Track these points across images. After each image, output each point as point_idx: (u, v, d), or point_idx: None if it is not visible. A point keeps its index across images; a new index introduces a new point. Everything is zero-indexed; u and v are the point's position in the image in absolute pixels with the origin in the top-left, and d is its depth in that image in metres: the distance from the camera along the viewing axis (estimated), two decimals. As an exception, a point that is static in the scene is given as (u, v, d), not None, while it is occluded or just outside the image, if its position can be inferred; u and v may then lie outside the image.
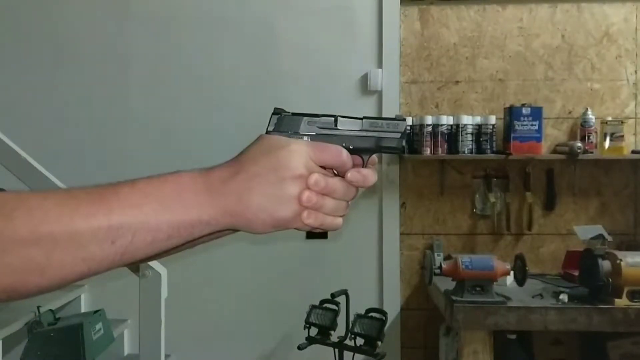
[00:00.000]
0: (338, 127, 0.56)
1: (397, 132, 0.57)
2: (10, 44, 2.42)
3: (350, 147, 0.55)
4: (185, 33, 2.41)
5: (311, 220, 0.52)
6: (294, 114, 0.56)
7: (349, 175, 0.54)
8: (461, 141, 2.26)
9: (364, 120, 0.56)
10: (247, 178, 0.50)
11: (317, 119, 0.56)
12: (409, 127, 2.33)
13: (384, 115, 2.32)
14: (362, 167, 0.56)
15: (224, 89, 2.40)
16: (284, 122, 0.56)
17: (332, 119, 0.56)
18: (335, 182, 0.53)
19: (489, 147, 2.26)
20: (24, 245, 0.45)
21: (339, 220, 0.54)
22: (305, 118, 0.56)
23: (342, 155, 0.54)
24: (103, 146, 2.41)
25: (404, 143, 0.57)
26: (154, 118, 2.42)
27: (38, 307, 1.92)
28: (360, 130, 0.56)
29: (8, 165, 1.77)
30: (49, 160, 2.03)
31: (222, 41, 2.40)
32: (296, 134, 0.55)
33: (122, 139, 2.42)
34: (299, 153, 0.51)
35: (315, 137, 0.55)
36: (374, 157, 0.58)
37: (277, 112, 0.57)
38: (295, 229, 0.53)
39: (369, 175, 0.55)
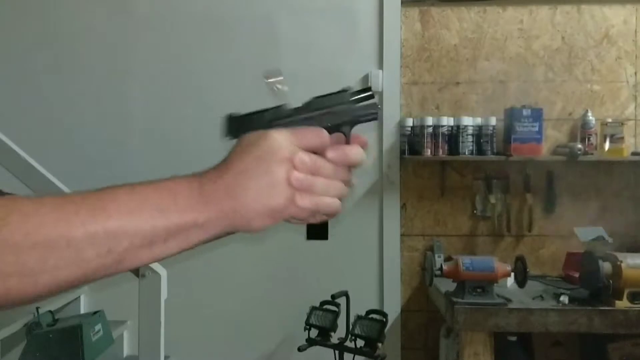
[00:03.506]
0: (306, 111, 0.55)
1: (360, 97, 0.56)
2: (11, 45, 2.42)
3: (329, 125, 0.55)
4: (186, 33, 2.41)
5: (306, 201, 0.51)
6: (253, 113, 0.55)
7: (329, 154, 0.53)
8: (462, 142, 2.26)
9: (327, 97, 0.56)
10: (235, 174, 0.50)
11: (279, 110, 0.55)
12: (409, 128, 2.33)
13: (383, 116, 2.32)
14: (346, 142, 0.56)
15: (225, 89, 2.39)
16: (251, 123, 0.55)
17: (293, 107, 0.55)
18: (321, 159, 0.52)
19: (489, 148, 2.26)
20: (19, 251, 0.44)
21: (336, 201, 0.53)
22: (266, 113, 0.55)
23: (323, 133, 0.53)
24: (104, 147, 2.40)
25: (378, 104, 0.57)
26: (156, 118, 2.42)
27: (37, 308, 1.92)
28: (330, 107, 0.55)
29: (9, 167, 1.77)
30: (49, 161, 2.03)
31: (223, 41, 2.40)
32: (269, 123, 0.54)
33: (123, 140, 2.41)
34: (279, 138, 0.51)
35: (289, 124, 0.54)
36: (364, 138, 0.57)
37: (232, 116, 0.55)
38: (293, 218, 0.52)
39: (351, 151, 0.54)
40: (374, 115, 0.56)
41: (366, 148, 0.56)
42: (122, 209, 0.47)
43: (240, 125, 0.55)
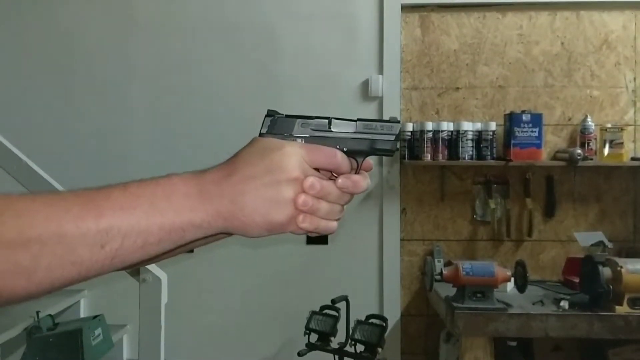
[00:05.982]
0: (332, 129, 0.55)
1: (391, 134, 0.56)
2: (13, 49, 2.43)
3: (344, 150, 0.55)
4: (187, 40, 2.42)
5: (306, 224, 0.51)
6: (287, 116, 0.56)
7: (339, 181, 0.53)
8: (461, 147, 2.26)
9: (358, 122, 0.56)
10: (241, 180, 0.50)
11: (311, 121, 0.55)
12: (408, 133, 2.33)
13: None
14: (355, 171, 0.56)
15: (225, 95, 2.40)
16: (278, 124, 0.55)
17: (326, 121, 0.56)
18: (330, 186, 0.53)
19: (489, 153, 2.27)
20: (12, 249, 0.44)
21: (334, 223, 0.54)
22: (298, 120, 0.55)
23: (337, 157, 0.54)
24: (105, 151, 2.41)
25: (398, 145, 0.57)
26: (156, 124, 2.42)
27: (37, 312, 1.92)
28: (354, 133, 0.56)
29: (9, 170, 1.78)
30: (50, 165, 2.03)
31: (223, 47, 2.41)
32: (290, 136, 0.55)
33: (124, 144, 2.42)
34: (293, 155, 0.51)
35: (309, 140, 0.55)
36: (370, 162, 0.57)
37: (270, 114, 0.56)
38: (289, 232, 0.53)
39: (359, 181, 0.54)
40: (390, 152, 0.57)
41: (366, 173, 0.57)
42: (114, 207, 0.47)
43: (274, 125, 0.55)
